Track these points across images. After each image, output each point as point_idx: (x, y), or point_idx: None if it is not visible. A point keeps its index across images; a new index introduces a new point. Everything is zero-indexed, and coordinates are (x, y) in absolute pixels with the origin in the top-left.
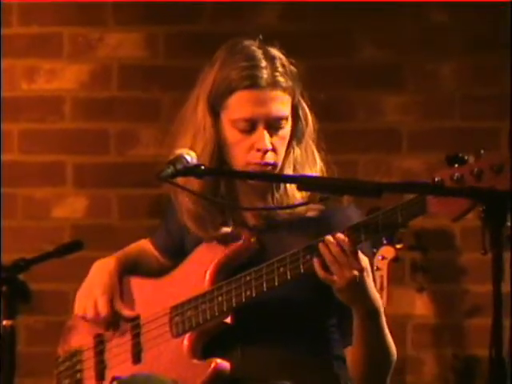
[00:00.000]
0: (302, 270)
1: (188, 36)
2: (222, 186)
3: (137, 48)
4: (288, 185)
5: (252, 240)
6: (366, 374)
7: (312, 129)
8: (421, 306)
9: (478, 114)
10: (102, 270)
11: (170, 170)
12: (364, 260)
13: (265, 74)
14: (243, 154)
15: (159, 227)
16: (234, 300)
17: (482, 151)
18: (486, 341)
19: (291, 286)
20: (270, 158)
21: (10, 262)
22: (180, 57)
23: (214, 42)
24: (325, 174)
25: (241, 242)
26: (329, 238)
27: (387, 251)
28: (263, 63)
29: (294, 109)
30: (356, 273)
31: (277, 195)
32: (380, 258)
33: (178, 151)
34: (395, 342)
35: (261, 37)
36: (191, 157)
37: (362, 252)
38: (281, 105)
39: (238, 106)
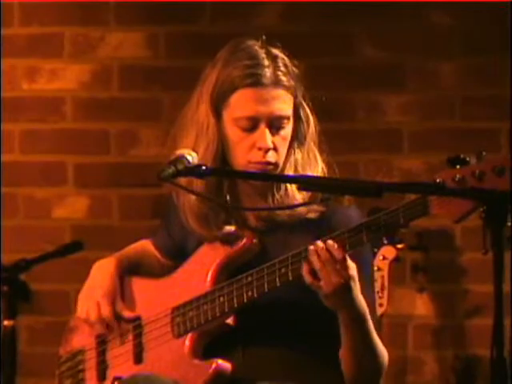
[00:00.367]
0: None
1: (189, 36)
2: (225, 186)
3: (138, 48)
4: (288, 186)
5: (254, 241)
6: (355, 378)
7: (314, 131)
8: (422, 306)
9: (479, 115)
10: (103, 271)
11: (171, 170)
12: (352, 268)
13: (267, 72)
14: (244, 153)
15: (160, 228)
16: (235, 301)
17: (484, 153)
18: (487, 341)
19: (292, 287)
20: (271, 157)
21: (11, 262)
22: (181, 57)
23: (215, 41)
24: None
25: (243, 242)
26: (319, 243)
27: (388, 251)
28: (266, 62)
29: (296, 109)
30: (343, 280)
31: (277, 196)
32: (381, 258)
33: (179, 151)
34: (396, 342)
35: (264, 37)
36: (192, 157)
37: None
38: (283, 103)
39: (241, 103)
